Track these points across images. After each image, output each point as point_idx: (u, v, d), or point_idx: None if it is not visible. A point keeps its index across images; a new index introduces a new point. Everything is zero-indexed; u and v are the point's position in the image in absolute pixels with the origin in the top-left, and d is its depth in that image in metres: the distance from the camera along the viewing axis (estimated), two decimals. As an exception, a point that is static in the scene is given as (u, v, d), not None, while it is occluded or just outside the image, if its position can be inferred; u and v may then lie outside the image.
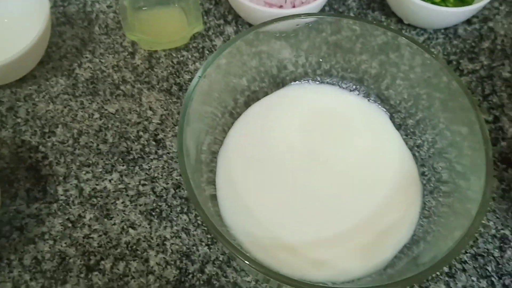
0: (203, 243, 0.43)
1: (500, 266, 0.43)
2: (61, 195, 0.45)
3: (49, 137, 0.48)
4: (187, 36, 0.54)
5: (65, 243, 0.43)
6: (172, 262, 0.42)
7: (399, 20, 0.59)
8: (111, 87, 0.52)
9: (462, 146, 0.42)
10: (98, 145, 0.48)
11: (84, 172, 0.47)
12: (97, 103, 0.51)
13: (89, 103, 0.51)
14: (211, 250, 0.43)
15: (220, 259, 0.42)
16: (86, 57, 0.54)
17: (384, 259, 0.40)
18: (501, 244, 0.44)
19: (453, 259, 0.41)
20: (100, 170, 0.47)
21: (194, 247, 0.43)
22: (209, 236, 0.43)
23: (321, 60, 0.49)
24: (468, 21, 0.58)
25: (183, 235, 0.44)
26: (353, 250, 0.40)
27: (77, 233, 0.43)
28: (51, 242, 0.43)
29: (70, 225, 0.44)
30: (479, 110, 0.39)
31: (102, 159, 0.47)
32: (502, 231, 0.45)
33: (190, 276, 0.42)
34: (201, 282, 0.41)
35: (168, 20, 0.56)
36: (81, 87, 0.52)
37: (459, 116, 0.41)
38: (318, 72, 0.50)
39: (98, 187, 0.46)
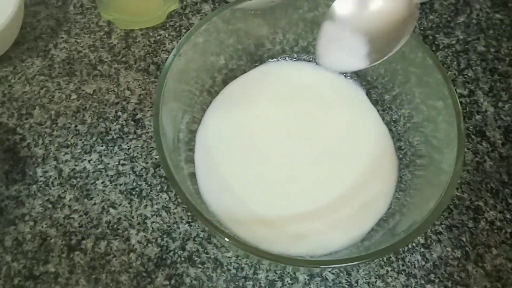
0: (184, 221, 0.44)
1: (474, 236, 0.44)
2: (40, 176, 0.45)
3: (26, 118, 0.48)
4: (163, 14, 0.54)
5: (46, 224, 0.43)
6: (153, 240, 0.43)
7: (376, -4, 0.59)
8: (88, 67, 0.52)
9: (437, 120, 0.42)
10: (76, 126, 0.48)
11: (63, 153, 0.47)
12: (74, 83, 0.51)
13: (66, 84, 0.50)
14: (192, 228, 0.43)
15: (201, 236, 0.43)
16: (62, 37, 0.54)
17: (361, 232, 0.41)
18: (475, 215, 0.45)
19: (427, 229, 0.42)
20: (79, 151, 0.47)
21: (175, 225, 0.43)
22: (189, 214, 0.44)
23: (297, 37, 0.49)
24: (444, -4, 0.59)
25: (164, 214, 0.44)
26: (331, 224, 0.41)
27: (58, 214, 0.44)
28: (31, 223, 0.43)
29: (50, 206, 0.44)
30: (452, 84, 0.39)
31: (80, 139, 0.47)
32: (476, 203, 0.46)
33: (171, 253, 0.42)
34: (182, 259, 0.42)
35: (143, -1, 0.55)
36: (57, 67, 0.51)
37: (434, 90, 0.42)
38: (296, 49, 0.50)
39: (77, 168, 0.46)
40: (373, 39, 0.39)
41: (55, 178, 0.45)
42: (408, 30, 0.37)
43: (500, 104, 0.51)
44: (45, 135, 0.47)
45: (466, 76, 0.53)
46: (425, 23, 0.57)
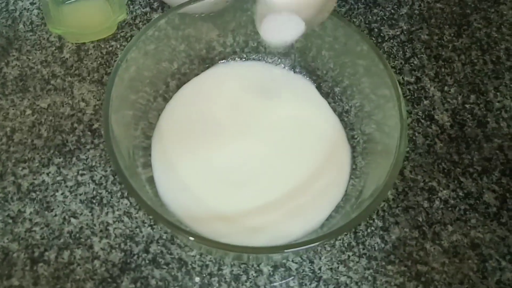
0: (146, 224, 0.44)
1: (429, 215, 0.46)
2: (-1, 192, 0.45)
3: (-19, 137, 0.48)
4: (113, 25, 0.54)
5: (7, 239, 0.43)
6: (117, 246, 0.43)
7: (321, -6, 0.60)
8: (41, 82, 0.52)
9: (386, 107, 0.43)
10: (32, 140, 0.48)
11: (20, 168, 0.47)
12: (28, 99, 0.51)
13: (20, 100, 0.51)
14: (154, 230, 0.44)
15: (164, 237, 0.44)
16: (13, 55, 0.54)
17: (319, 220, 0.42)
18: (429, 196, 0.47)
19: (376, 206, 0.43)
20: (36, 164, 0.47)
21: (138, 229, 0.44)
22: (151, 217, 0.44)
23: (246, 38, 0.50)
24: (386, -11, 0.61)
25: (126, 219, 0.44)
26: (289, 214, 0.42)
27: (19, 228, 0.44)
28: (-8, 239, 0.43)
29: (10, 221, 0.44)
30: (391, 70, 0.41)
31: (38, 153, 0.47)
32: (429, 183, 0.47)
33: (135, 257, 0.43)
34: (147, 262, 0.42)
35: (91, 11, 0.56)
36: (10, 85, 0.51)
37: (381, 80, 0.43)
38: (246, 50, 0.51)
39: (36, 181, 0.46)
40: (304, 10, 0.40)
41: (14, 193, 0.45)
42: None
43: (446, 88, 0.53)
44: (2, 152, 0.47)
45: (412, 64, 0.55)
46: (370, 17, 0.58)
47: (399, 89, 0.40)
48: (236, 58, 0.51)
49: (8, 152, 0.47)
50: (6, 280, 0.41)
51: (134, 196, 0.36)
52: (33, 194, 0.45)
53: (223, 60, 0.51)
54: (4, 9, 0.57)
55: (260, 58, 0.51)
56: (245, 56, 0.51)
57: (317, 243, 0.35)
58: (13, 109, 0.50)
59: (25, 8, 0.57)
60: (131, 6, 0.58)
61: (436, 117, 0.51)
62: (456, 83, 0.54)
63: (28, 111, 0.50)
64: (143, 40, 0.43)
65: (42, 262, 0.42)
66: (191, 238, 0.35)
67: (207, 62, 0.51)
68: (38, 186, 0.46)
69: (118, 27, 0.56)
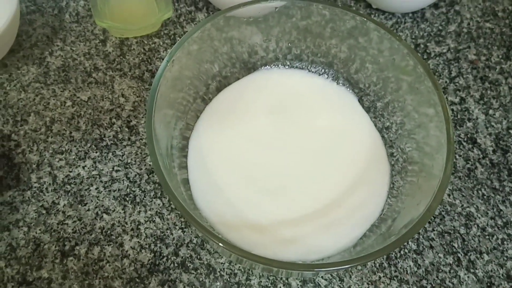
0: (177, 227, 0.44)
1: (466, 242, 0.45)
2: (35, 182, 0.45)
3: (21, 125, 0.48)
4: (158, 22, 0.54)
5: (40, 229, 0.43)
6: (147, 246, 0.43)
7: (368, 5, 0.60)
8: (83, 74, 0.52)
9: (429, 127, 0.43)
10: (71, 132, 0.48)
11: (57, 160, 0.47)
12: (69, 90, 0.51)
13: (61, 91, 0.51)
14: (185, 233, 0.44)
15: (194, 241, 0.43)
16: (57, 45, 0.54)
17: (353, 237, 0.41)
18: (467, 222, 0.46)
19: (416, 232, 0.42)
20: (73, 157, 0.47)
21: (168, 231, 0.44)
22: (182, 219, 0.44)
23: (290, 45, 0.49)
24: (435, 5, 0.60)
25: (157, 219, 0.44)
26: (323, 229, 0.41)
27: (51, 220, 0.44)
28: (25, 229, 0.43)
29: (44, 212, 0.44)
30: (441, 91, 0.40)
31: (75, 146, 0.48)
32: (467, 209, 0.46)
33: (164, 259, 0.42)
34: (176, 265, 0.42)
35: (138, 7, 0.56)
36: (52, 75, 0.52)
37: (425, 98, 0.43)
38: (289, 57, 0.50)
39: (71, 174, 0.46)
40: None
41: (49, 184, 0.45)
42: None
43: (490, 111, 0.52)
44: (40, 142, 0.48)
45: (457, 84, 0.54)
46: (417, 32, 0.57)
47: (448, 110, 0.39)
48: (279, 65, 0.50)
49: (46, 142, 0.48)
50: (35, 271, 0.41)
51: (170, 195, 0.35)
52: (68, 186, 0.45)
53: (266, 66, 0.50)
54: (52, -1, 0.58)
55: (303, 66, 0.50)
56: (288, 63, 0.50)
57: (350, 265, 0.34)
58: (54, 99, 0.50)
59: (72, -1, 0.58)
60: (176, 4, 0.58)
61: (478, 140, 0.50)
62: (502, 107, 0.52)
63: (69, 103, 0.50)
64: (188, 41, 0.43)
65: (72, 256, 0.42)
66: (221, 245, 0.34)
67: (249, 66, 0.50)
68: (73, 178, 0.46)
69: (162, 25, 0.56)
